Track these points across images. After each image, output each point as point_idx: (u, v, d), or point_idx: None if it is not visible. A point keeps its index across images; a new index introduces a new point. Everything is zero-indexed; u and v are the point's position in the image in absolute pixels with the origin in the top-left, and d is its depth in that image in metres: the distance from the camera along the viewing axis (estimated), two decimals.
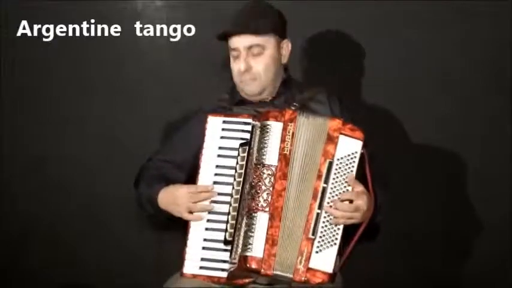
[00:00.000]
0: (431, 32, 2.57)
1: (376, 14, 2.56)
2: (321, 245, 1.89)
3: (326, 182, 1.91)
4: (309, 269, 1.88)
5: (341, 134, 1.92)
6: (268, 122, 1.93)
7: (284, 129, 1.92)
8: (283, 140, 1.91)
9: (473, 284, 2.67)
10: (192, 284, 1.98)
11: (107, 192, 2.66)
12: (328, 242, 1.89)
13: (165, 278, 2.08)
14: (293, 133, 1.92)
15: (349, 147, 1.92)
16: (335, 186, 1.91)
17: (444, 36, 2.57)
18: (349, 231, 1.94)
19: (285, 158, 1.91)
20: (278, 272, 1.87)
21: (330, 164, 1.91)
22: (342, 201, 1.90)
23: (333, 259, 1.89)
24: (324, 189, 1.90)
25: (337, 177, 1.91)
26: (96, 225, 2.68)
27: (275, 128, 1.93)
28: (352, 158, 1.92)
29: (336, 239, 1.90)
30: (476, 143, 2.59)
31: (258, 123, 1.95)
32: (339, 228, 1.90)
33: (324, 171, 1.91)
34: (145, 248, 2.69)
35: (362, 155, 1.93)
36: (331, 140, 1.92)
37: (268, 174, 1.90)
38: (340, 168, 1.92)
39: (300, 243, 1.88)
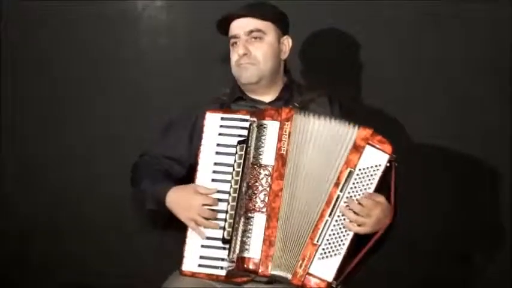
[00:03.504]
0: (431, 32, 2.57)
1: (376, 14, 2.56)
2: (325, 253, 1.86)
3: (342, 190, 1.86)
4: (308, 274, 1.85)
5: (368, 144, 1.87)
6: (265, 121, 1.91)
7: (281, 128, 1.90)
8: (279, 140, 1.89)
9: (473, 285, 2.67)
10: (191, 284, 1.97)
11: (107, 192, 2.67)
12: (333, 251, 1.86)
13: (165, 277, 2.08)
14: (290, 133, 1.89)
15: (374, 159, 1.86)
16: (351, 196, 1.86)
17: (444, 36, 2.56)
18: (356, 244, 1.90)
19: (281, 158, 1.88)
20: (276, 273, 1.86)
21: (350, 173, 1.86)
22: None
23: (335, 268, 1.85)
24: (338, 197, 1.86)
25: (355, 187, 1.86)
26: (96, 225, 2.69)
27: (272, 127, 1.90)
28: (374, 171, 1.86)
29: (342, 248, 1.86)
30: (476, 143, 2.59)
31: (255, 120, 1.93)
32: (346, 239, 1.86)
33: (343, 179, 1.87)
34: (146, 248, 2.69)
35: (389, 169, 1.87)
36: (357, 149, 1.87)
37: (265, 175, 1.88)
38: (360, 178, 1.86)
39: (303, 247, 1.86)
